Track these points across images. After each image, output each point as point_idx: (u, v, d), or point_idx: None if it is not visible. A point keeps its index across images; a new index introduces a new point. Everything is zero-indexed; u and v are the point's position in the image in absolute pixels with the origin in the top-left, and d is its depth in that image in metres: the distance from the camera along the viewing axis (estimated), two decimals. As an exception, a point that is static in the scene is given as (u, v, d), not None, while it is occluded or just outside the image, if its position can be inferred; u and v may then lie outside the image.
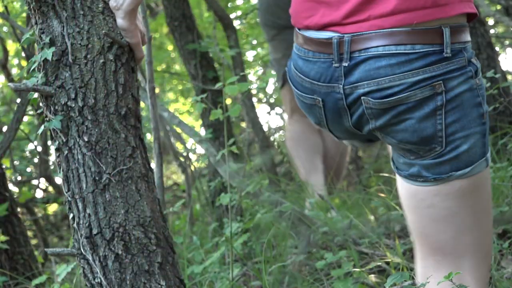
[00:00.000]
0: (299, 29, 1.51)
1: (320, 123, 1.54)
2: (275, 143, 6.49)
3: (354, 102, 1.44)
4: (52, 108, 1.54)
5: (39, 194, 5.70)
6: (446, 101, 1.39)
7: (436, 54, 1.39)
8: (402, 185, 1.50)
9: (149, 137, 4.38)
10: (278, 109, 6.63)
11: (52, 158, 5.12)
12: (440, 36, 1.39)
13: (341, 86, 1.44)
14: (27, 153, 5.59)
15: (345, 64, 1.43)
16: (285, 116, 3.16)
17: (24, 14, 3.82)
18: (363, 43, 1.41)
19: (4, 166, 3.81)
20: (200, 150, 4.70)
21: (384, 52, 1.40)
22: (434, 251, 1.45)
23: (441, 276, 1.40)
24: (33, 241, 5.15)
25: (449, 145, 1.41)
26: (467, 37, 1.42)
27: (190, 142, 5.66)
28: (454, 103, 1.40)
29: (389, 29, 1.40)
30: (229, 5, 5.26)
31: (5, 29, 4.59)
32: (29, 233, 4.68)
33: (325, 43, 1.45)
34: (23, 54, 4.50)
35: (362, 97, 1.42)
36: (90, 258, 1.53)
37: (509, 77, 5.50)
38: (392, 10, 1.39)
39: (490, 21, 5.66)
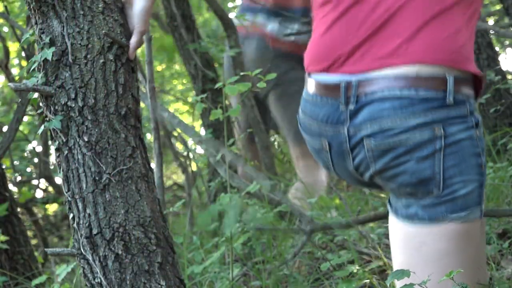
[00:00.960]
0: (309, 75, 1.59)
1: (328, 167, 1.59)
2: (275, 143, 6.49)
3: (356, 145, 1.49)
4: (52, 108, 1.55)
5: (39, 194, 5.71)
6: (445, 145, 1.44)
7: (438, 100, 1.44)
8: (396, 227, 1.54)
9: (149, 137, 4.39)
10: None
11: (52, 158, 5.12)
12: (444, 83, 1.44)
13: (346, 128, 1.49)
14: (27, 153, 5.59)
15: (351, 107, 1.48)
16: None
17: (23, 15, 3.83)
18: (369, 86, 1.47)
19: (4, 166, 3.81)
20: (200, 150, 4.70)
21: (389, 94, 1.45)
22: None
23: None
24: (33, 241, 5.16)
25: (447, 188, 1.45)
26: (470, 92, 1.47)
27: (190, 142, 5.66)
28: (453, 148, 1.44)
29: (395, 71, 1.46)
30: (229, 5, 5.26)
31: (5, 29, 4.59)
32: (29, 233, 4.68)
33: (333, 87, 1.51)
34: (23, 54, 4.50)
35: (364, 139, 1.47)
36: (90, 258, 1.53)
37: (509, 77, 5.49)
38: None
39: (490, 21, 5.66)
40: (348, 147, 1.51)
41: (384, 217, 2.02)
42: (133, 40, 1.58)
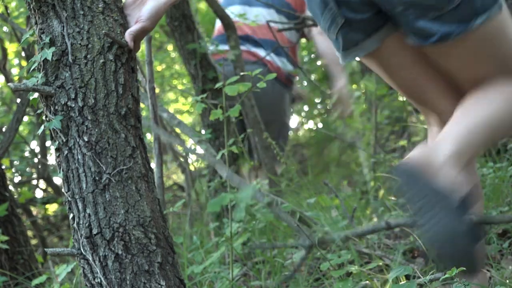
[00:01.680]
0: None
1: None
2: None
3: None
4: (52, 108, 1.55)
5: (38, 194, 5.70)
6: None
7: None
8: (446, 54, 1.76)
9: (149, 137, 4.38)
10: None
11: (52, 158, 5.12)
12: None
13: None
14: (27, 154, 5.58)
15: None
16: None
17: (20, 14, 3.82)
18: None
19: (4, 166, 3.81)
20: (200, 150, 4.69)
21: None
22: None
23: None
24: (33, 241, 5.15)
25: None
26: None
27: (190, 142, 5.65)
28: None
29: None
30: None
31: (5, 29, 4.59)
32: (29, 233, 4.68)
33: None
34: (23, 54, 4.50)
35: None
36: (90, 258, 1.53)
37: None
38: None
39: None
40: None
41: (382, 230, 2.03)
42: (132, 29, 1.57)
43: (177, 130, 4.69)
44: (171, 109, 7.49)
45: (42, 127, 1.57)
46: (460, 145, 1.60)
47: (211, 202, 2.02)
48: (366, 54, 1.85)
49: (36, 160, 5.31)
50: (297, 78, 4.33)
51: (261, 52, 3.80)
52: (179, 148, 5.85)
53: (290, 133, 5.21)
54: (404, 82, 1.91)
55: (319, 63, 6.48)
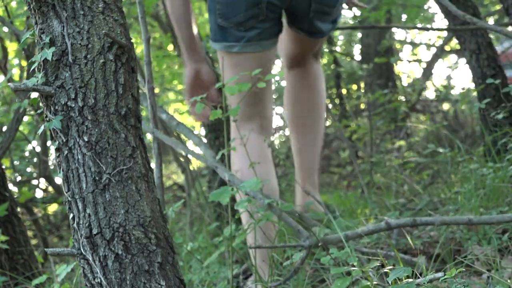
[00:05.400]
0: None
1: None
2: (275, 144, 6.49)
3: None
4: (52, 108, 1.55)
5: (39, 194, 5.70)
6: None
7: None
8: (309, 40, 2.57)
9: (149, 137, 4.38)
10: (278, 109, 6.63)
11: (52, 158, 5.11)
12: None
13: None
14: (27, 153, 5.58)
15: None
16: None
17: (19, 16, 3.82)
18: None
19: (4, 166, 3.81)
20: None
21: None
22: None
23: None
24: (33, 241, 5.15)
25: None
26: None
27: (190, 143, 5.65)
28: None
29: None
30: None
31: (5, 29, 4.59)
32: (29, 233, 4.68)
33: None
34: (23, 54, 4.50)
35: None
36: (90, 258, 1.53)
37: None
38: None
39: (490, 21, 5.66)
40: None
41: (380, 231, 2.03)
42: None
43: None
44: (171, 109, 7.48)
45: (42, 127, 1.57)
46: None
47: (213, 193, 2.02)
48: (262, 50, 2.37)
49: (35, 159, 5.31)
50: None
51: None
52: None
53: None
54: (290, 50, 2.66)
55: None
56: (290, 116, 2.71)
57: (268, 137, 2.45)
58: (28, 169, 5.53)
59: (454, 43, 7.18)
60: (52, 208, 5.96)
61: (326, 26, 2.50)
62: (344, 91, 7.19)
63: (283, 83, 4.55)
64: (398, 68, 7.88)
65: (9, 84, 1.58)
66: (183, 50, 2.52)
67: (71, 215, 1.56)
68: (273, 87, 2.74)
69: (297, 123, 2.69)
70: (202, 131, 4.12)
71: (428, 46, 8.36)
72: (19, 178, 5.42)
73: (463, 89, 6.52)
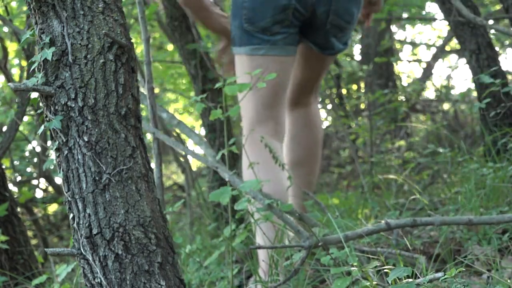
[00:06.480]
0: None
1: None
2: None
3: None
4: (52, 108, 1.55)
5: (39, 194, 5.70)
6: None
7: None
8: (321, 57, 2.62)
9: (149, 137, 4.38)
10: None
11: (52, 156, 5.10)
12: None
13: None
14: (27, 153, 5.58)
15: None
16: None
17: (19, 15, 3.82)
18: None
19: (4, 166, 3.80)
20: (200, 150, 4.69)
21: None
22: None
23: None
24: (33, 241, 5.15)
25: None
26: None
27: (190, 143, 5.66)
28: None
29: None
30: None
31: (5, 29, 4.59)
32: (29, 233, 4.67)
33: None
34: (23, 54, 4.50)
35: None
36: (90, 258, 1.53)
37: (509, 77, 5.50)
38: None
39: (490, 21, 5.66)
40: None
41: (380, 231, 2.04)
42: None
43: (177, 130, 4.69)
44: (171, 109, 7.48)
45: (42, 127, 1.57)
46: None
47: (213, 193, 2.02)
48: (287, 55, 2.44)
49: (36, 159, 5.31)
50: None
51: None
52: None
53: None
54: (299, 76, 2.68)
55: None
56: (290, 156, 2.72)
57: (281, 142, 2.44)
58: (28, 169, 5.53)
59: (454, 43, 7.18)
60: (52, 208, 5.96)
61: (338, 44, 2.57)
62: (344, 91, 7.19)
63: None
64: (398, 68, 7.88)
65: (9, 84, 1.58)
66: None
67: (71, 215, 1.56)
68: None
69: (294, 161, 2.70)
70: (202, 131, 4.12)
71: (428, 46, 8.36)
72: (19, 178, 5.42)
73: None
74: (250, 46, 2.41)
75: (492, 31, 3.93)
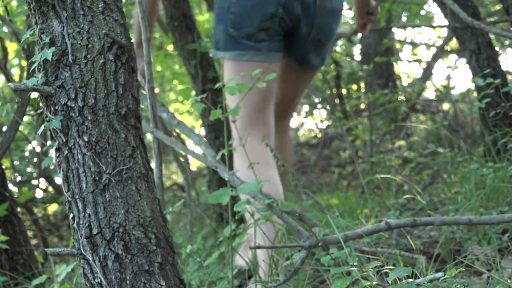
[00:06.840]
0: None
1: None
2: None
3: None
4: (52, 108, 1.55)
5: (39, 194, 5.70)
6: None
7: None
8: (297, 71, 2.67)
9: (149, 137, 4.39)
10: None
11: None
12: None
13: None
14: (27, 153, 5.58)
15: None
16: None
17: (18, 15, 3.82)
18: None
19: (4, 166, 3.80)
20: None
21: None
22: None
23: None
24: (33, 241, 5.15)
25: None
26: None
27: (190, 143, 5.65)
28: None
29: None
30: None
31: (5, 29, 4.59)
32: (29, 233, 4.68)
33: None
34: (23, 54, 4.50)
35: None
36: (90, 258, 1.53)
37: (509, 77, 5.50)
38: None
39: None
40: None
41: (380, 231, 2.04)
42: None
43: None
44: (171, 109, 7.48)
45: (42, 127, 1.57)
46: None
47: (212, 195, 2.02)
48: (271, 61, 2.48)
49: (36, 159, 5.31)
50: None
51: None
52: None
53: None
54: (278, 90, 2.69)
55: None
56: None
57: (270, 143, 2.48)
58: (28, 169, 5.53)
59: (454, 43, 7.18)
60: (52, 208, 5.96)
61: (316, 60, 2.64)
62: (344, 91, 7.19)
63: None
64: (398, 68, 7.88)
65: (9, 84, 1.58)
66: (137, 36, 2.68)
67: (71, 215, 1.56)
68: None
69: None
70: (202, 131, 4.12)
71: (428, 46, 8.36)
72: (19, 178, 5.42)
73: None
74: (235, 51, 2.45)
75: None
